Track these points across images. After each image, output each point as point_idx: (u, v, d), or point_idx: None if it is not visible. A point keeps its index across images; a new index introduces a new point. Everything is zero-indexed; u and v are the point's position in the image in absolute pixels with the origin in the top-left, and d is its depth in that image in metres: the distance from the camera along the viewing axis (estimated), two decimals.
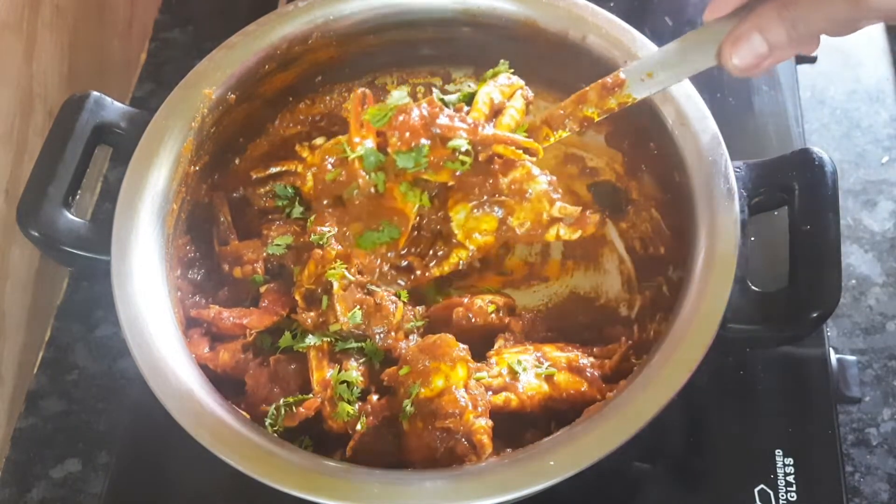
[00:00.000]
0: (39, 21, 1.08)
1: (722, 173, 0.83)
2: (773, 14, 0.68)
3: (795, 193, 0.84)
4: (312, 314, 0.86)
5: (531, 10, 0.96)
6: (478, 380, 0.81)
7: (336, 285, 0.85)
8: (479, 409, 0.78)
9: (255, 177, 0.99)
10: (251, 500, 0.79)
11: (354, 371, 0.83)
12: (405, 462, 0.79)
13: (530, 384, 0.83)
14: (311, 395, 0.82)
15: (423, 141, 0.82)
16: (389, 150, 0.83)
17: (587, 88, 0.84)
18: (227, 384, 0.84)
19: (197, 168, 0.92)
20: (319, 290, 0.87)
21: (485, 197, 0.83)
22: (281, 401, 0.82)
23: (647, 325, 0.92)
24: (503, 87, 0.90)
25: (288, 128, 1.04)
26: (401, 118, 0.82)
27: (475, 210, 0.83)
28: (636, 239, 0.99)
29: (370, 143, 0.85)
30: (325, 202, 0.87)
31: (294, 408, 0.81)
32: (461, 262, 0.87)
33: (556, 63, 0.99)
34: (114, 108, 0.93)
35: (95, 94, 0.92)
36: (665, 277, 0.93)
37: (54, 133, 0.90)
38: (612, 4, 1.02)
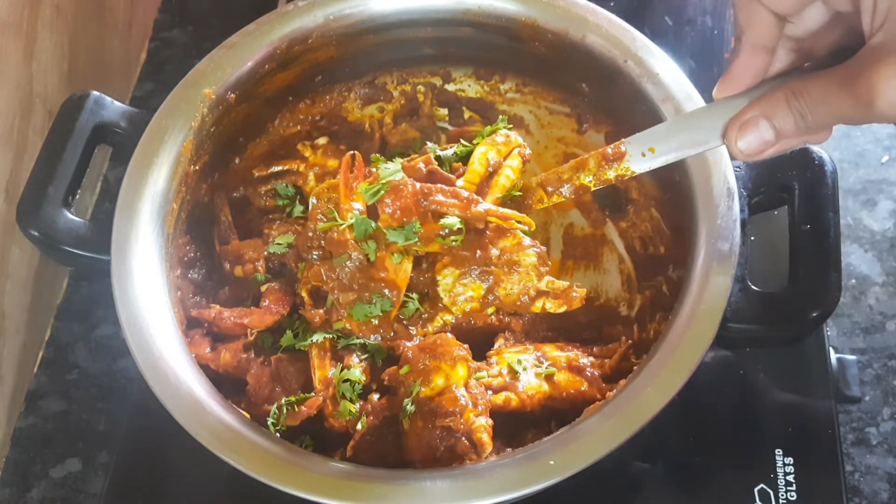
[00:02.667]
0: (39, 21, 1.08)
1: (722, 173, 0.83)
2: (781, 102, 0.66)
3: (795, 193, 0.84)
4: (321, 311, 0.86)
5: (531, 9, 0.96)
6: (478, 379, 0.82)
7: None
8: (480, 408, 0.78)
9: (257, 175, 0.99)
10: (251, 500, 0.79)
11: (357, 369, 0.83)
12: (406, 461, 0.79)
13: (530, 384, 0.83)
14: (312, 394, 0.82)
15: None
16: (380, 223, 0.82)
17: (587, 156, 0.82)
18: (227, 384, 0.84)
19: (197, 168, 0.92)
20: (324, 287, 0.87)
21: (474, 266, 0.82)
22: (283, 400, 0.82)
23: (647, 325, 0.92)
24: (500, 146, 0.87)
25: (288, 127, 1.04)
26: (392, 196, 0.81)
27: (463, 277, 0.82)
28: (636, 238, 0.99)
29: (360, 206, 0.84)
30: (314, 254, 0.87)
31: (296, 406, 0.81)
32: (446, 326, 0.85)
33: (556, 63, 0.99)
34: (114, 107, 0.93)
35: (95, 93, 0.92)
36: (665, 277, 0.93)
37: (54, 133, 0.90)
38: (612, 4, 1.02)
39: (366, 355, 0.86)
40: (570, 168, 0.83)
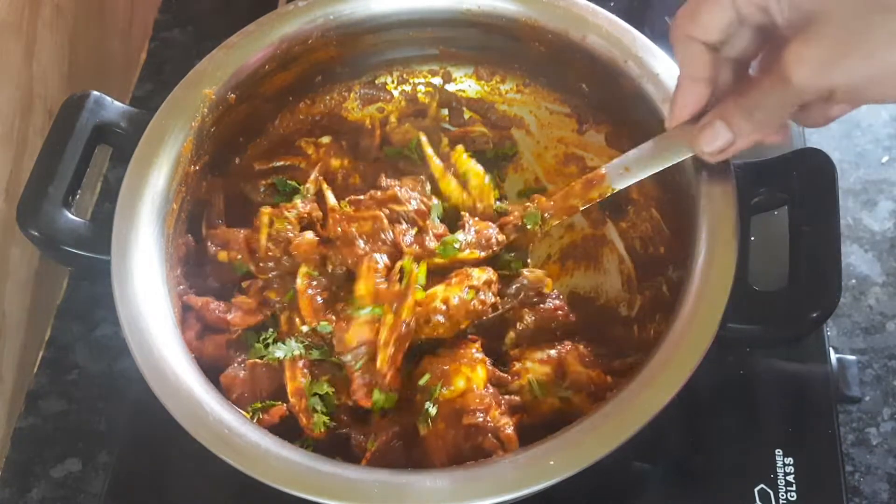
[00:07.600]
0: (39, 21, 1.08)
1: (722, 173, 0.83)
2: (731, 104, 0.73)
3: (795, 193, 0.84)
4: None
5: (531, 9, 0.96)
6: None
7: (299, 281, 0.86)
8: (501, 407, 0.79)
9: (258, 168, 0.99)
10: (251, 500, 0.79)
11: (325, 383, 0.83)
12: (421, 467, 0.79)
13: (547, 405, 0.83)
14: (279, 403, 0.82)
15: None
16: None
17: (573, 183, 0.90)
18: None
19: (197, 168, 0.92)
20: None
21: None
22: (249, 406, 0.81)
23: (647, 325, 0.92)
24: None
25: (288, 127, 1.04)
26: None
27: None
28: (636, 239, 0.99)
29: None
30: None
31: (261, 414, 0.81)
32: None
33: (556, 63, 0.99)
34: (114, 107, 0.93)
35: (95, 93, 0.92)
36: (665, 277, 0.93)
37: (54, 133, 0.90)
38: (612, 4, 1.01)
39: (336, 370, 0.84)
40: (560, 196, 0.91)
